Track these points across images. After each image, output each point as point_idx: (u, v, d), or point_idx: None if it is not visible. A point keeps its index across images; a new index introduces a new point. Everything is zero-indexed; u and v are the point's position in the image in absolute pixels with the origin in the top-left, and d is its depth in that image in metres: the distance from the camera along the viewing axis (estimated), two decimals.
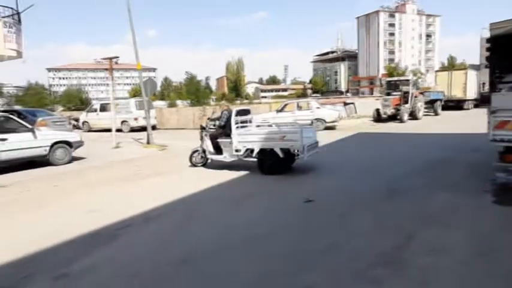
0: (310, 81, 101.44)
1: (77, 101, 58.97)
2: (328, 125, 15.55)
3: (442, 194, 5.29)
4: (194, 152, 8.25)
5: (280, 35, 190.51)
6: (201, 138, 8.09)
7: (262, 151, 7.27)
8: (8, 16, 11.61)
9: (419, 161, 7.82)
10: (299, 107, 16.12)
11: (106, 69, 15.84)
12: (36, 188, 6.92)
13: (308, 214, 4.80)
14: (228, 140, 7.62)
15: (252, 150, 7.40)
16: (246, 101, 54.30)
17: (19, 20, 12.08)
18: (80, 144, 9.79)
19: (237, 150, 7.51)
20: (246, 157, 7.50)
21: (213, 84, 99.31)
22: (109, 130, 14.84)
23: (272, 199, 5.61)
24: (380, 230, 4.10)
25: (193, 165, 8.13)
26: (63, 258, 3.65)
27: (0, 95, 71.73)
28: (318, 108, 15.85)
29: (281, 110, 16.10)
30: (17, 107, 34.46)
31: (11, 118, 8.90)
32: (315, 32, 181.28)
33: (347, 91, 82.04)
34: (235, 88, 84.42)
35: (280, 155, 7.06)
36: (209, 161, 8.16)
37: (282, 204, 5.30)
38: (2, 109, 37.48)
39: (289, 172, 7.32)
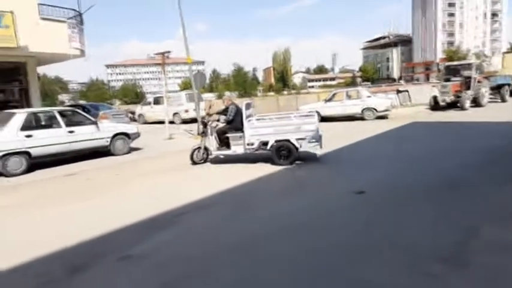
0: (360, 69, 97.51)
1: (133, 95, 62.63)
2: (379, 114, 14.91)
3: (509, 188, 4.87)
4: (195, 149, 7.94)
5: (328, 23, 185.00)
6: (202, 135, 7.89)
7: (276, 143, 7.25)
8: (72, 18, 12.55)
9: (481, 152, 7.23)
10: (348, 96, 15.62)
11: (158, 64, 16.63)
12: (100, 176, 7.50)
13: (360, 206, 4.68)
14: (238, 134, 7.52)
15: (265, 143, 7.34)
16: (293, 91, 53.81)
17: (81, 21, 13.02)
18: (136, 135, 10.42)
19: (249, 144, 7.40)
20: (257, 150, 7.45)
21: (260, 75, 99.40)
22: (162, 122, 15.60)
23: (320, 190, 5.55)
24: (438, 224, 3.89)
25: (195, 163, 7.87)
26: (127, 241, 3.96)
27: (67, 91, 78.25)
28: (368, 96, 15.23)
29: (329, 100, 15.74)
30: (81, 102, 37.42)
31: (77, 112, 9.72)
32: (365, 17, 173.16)
33: (400, 78, 77.82)
34: (282, 78, 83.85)
35: (297, 145, 7.21)
36: (210, 157, 8.03)
37: (331, 195, 5.22)
38: (68, 104, 40.95)
39: (333, 163, 7.18)
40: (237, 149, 7.59)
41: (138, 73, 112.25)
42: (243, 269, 3.20)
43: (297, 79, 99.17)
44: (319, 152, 7.42)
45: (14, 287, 3.11)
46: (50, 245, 3.92)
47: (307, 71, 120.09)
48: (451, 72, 18.43)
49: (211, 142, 7.77)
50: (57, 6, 12.25)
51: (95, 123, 9.42)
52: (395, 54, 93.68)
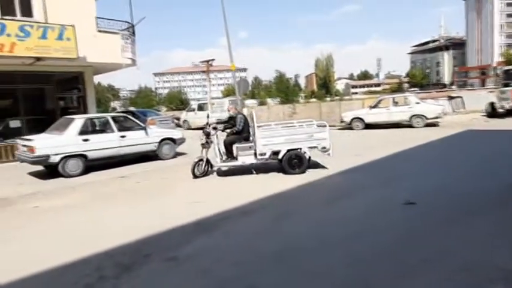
0: (407, 75, 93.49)
1: (177, 101, 64.98)
2: (429, 121, 14.17)
3: None
4: (197, 162, 7.44)
5: (372, 28, 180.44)
6: (205, 146, 7.43)
7: (288, 152, 7.15)
8: (125, 29, 13.36)
9: None
10: (395, 103, 15.04)
11: (203, 71, 17.25)
12: (148, 180, 7.83)
13: (409, 217, 4.44)
14: (248, 144, 7.33)
15: (275, 152, 7.17)
16: (336, 97, 52.83)
17: (133, 32, 13.81)
18: (182, 140, 10.78)
19: (261, 154, 7.16)
20: (267, 160, 7.28)
21: (301, 82, 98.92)
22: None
23: (365, 200, 5.35)
24: (498, 239, 3.57)
25: (196, 176, 7.38)
26: (173, 243, 4.07)
27: (118, 98, 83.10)
28: (417, 103, 14.55)
29: (375, 106, 15.23)
30: (131, 108, 39.55)
31: (128, 118, 10.28)
32: (412, 21, 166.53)
33: (451, 83, 73.56)
34: (324, 85, 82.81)
35: (308, 153, 7.27)
36: (214, 168, 7.69)
37: (377, 204, 5.01)
38: (119, 110, 43.46)
39: (379, 171, 6.90)
40: (246, 159, 7.30)
41: (183, 80, 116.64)
42: (281, 278, 3.15)
43: (339, 85, 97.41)
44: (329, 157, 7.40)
45: (69, 282, 3.30)
46: (102, 243, 4.14)
47: (351, 77, 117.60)
48: (511, 76, 17.06)
49: (216, 153, 7.38)
50: (113, 19, 13.12)
51: (144, 128, 9.88)
52: (446, 58, 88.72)
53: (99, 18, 12.66)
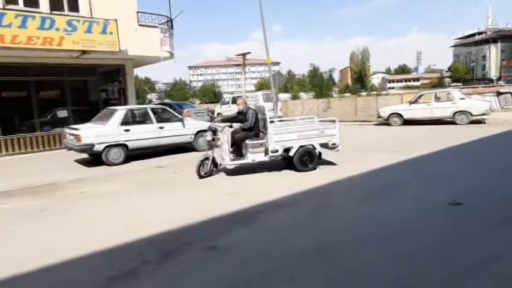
0: (449, 69, 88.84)
1: (211, 94, 65.88)
2: (474, 118, 13.39)
3: None
4: (203, 161, 6.98)
5: (412, 20, 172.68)
6: (211, 144, 7.02)
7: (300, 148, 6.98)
8: (164, 23, 13.67)
9: None
10: (437, 98, 14.33)
11: (237, 65, 17.33)
12: (186, 170, 8.00)
13: (456, 218, 4.24)
14: (259, 141, 7.02)
15: (286, 149, 6.95)
16: (372, 92, 51.29)
17: (172, 26, 14.11)
18: None
19: (273, 151, 6.88)
20: (277, 157, 7.05)
21: (336, 76, 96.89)
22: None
23: (404, 197, 5.18)
24: None
25: (201, 176, 6.96)
26: (212, 233, 4.16)
27: (154, 91, 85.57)
28: (461, 98, 13.78)
29: (415, 102, 14.61)
30: (167, 101, 40.60)
31: (167, 109, 10.56)
32: (456, 12, 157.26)
33: (499, 79, 69.06)
34: (359, 79, 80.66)
35: (320, 150, 7.18)
36: (219, 168, 7.31)
37: (419, 204, 4.82)
38: (156, 102, 44.77)
39: (420, 168, 6.61)
40: (256, 157, 6.99)
41: (216, 74, 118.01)
42: (320, 273, 3.13)
43: (375, 80, 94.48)
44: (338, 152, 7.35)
45: (115, 266, 3.47)
46: (143, 229, 4.31)
47: (388, 71, 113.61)
48: None
49: (225, 151, 6.95)
50: (152, 13, 13.47)
51: (182, 120, 10.11)
52: (493, 51, 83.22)
53: (140, 12, 13.05)
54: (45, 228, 4.68)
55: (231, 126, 7.14)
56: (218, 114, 22.82)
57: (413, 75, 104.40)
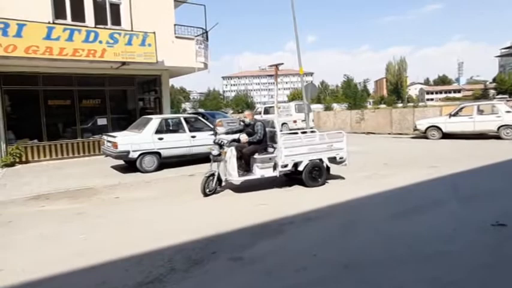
0: (494, 80, 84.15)
1: (244, 104, 66.69)
2: None
3: None
4: (208, 177, 6.44)
5: (454, 28, 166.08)
6: (216, 159, 6.56)
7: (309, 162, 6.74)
8: (199, 35, 14.08)
9: None
10: (480, 111, 13.60)
11: (269, 75, 17.41)
12: None
13: (499, 240, 3.94)
14: (268, 156, 6.68)
15: (295, 164, 6.66)
16: (409, 104, 49.63)
17: (207, 37, 14.51)
18: None
19: (283, 166, 6.56)
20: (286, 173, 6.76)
21: (370, 87, 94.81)
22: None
23: (441, 215, 4.89)
24: None
25: (206, 194, 6.39)
26: (239, 243, 4.15)
27: (188, 100, 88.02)
28: (508, 112, 12.97)
29: (455, 114, 13.92)
30: (200, 110, 41.57)
31: (199, 119, 10.80)
32: (503, 20, 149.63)
33: None
34: (395, 90, 78.43)
35: (328, 164, 6.97)
36: (223, 185, 6.77)
37: (456, 223, 4.54)
38: (189, 111, 45.98)
39: (459, 185, 6.24)
40: (265, 172, 6.63)
41: (249, 84, 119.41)
42: None
43: (413, 91, 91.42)
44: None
45: (144, 271, 3.54)
46: (173, 236, 4.39)
47: (426, 82, 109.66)
48: None
49: (232, 167, 6.42)
50: (188, 26, 13.94)
51: (213, 129, 10.27)
52: None
53: (177, 25, 13.55)
54: (81, 231, 4.88)
55: (238, 140, 6.63)
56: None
57: (454, 86, 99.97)
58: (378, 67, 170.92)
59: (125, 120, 12.56)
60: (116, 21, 12.62)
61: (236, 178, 6.45)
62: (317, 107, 40.25)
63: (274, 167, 6.67)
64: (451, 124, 13.75)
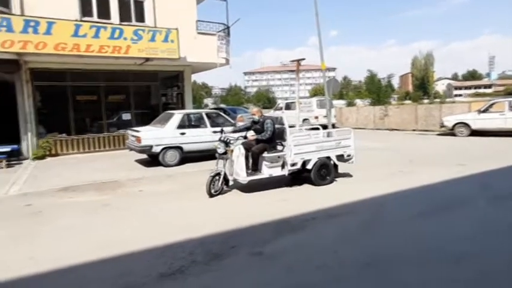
0: None
1: (265, 100, 66.63)
2: None
3: None
4: (214, 176, 6.15)
5: (485, 21, 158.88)
6: (222, 158, 6.31)
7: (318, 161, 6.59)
8: (221, 31, 14.13)
9: None
10: None
11: (291, 70, 17.32)
12: None
13: None
14: (277, 154, 6.49)
15: (303, 162, 6.50)
16: (435, 100, 48.04)
17: (228, 33, 14.54)
18: None
19: (293, 164, 6.40)
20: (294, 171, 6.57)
21: (395, 82, 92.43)
22: (292, 127, 16.03)
23: (469, 215, 4.74)
24: None
25: (212, 195, 6.10)
26: (259, 238, 4.16)
27: (210, 95, 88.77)
28: None
29: (485, 110, 13.35)
30: (222, 105, 41.86)
31: (220, 114, 10.86)
32: None
33: None
34: (421, 85, 76.08)
35: (336, 162, 6.89)
36: (231, 184, 6.53)
37: (488, 223, 4.39)
38: (211, 107, 46.37)
39: (485, 185, 5.98)
40: (273, 171, 6.47)
41: (271, 79, 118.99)
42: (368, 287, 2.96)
43: (440, 86, 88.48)
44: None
45: (166, 263, 3.61)
46: (194, 230, 4.45)
47: (454, 78, 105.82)
48: None
49: (240, 166, 6.16)
50: (210, 22, 14.02)
51: (234, 125, 10.31)
52: None
53: (199, 21, 13.64)
54: (107, 222, 5.04)
55: (245, 137, 6.49)
56: None
57: (485, 81, 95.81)
58: (403, 62, 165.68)
59: (148, 115, 12.81)
60: (140, 18, 12.86)
61: (244, 178, 6.20)
62: (339, 102, 39.59)
63: (283, 166, 6.52)
64: (481, 121, 13.20)
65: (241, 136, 6.53)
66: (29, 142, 11.45)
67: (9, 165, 10.04)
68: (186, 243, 4.09)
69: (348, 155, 7.07)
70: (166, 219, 5.08)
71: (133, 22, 12.56)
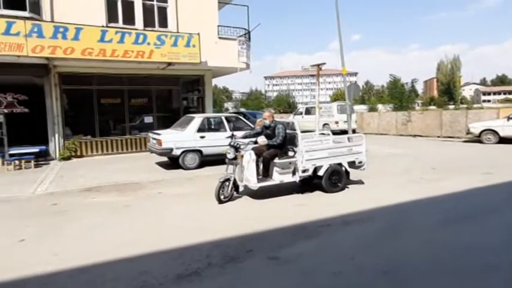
0: None
1: (285, 104, 66.54)
2: None
3: None
4: (223, 182, 5.98)
5: None
6: (232, 163, 6.13)
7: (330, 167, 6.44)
8: (242, 35, 14.25)
9: None
10: None
11: (312, 75, 17.25)
12: None
13: None
14: (288, 160, 6.32)
15: (315, 169, 6.33)
16: (462, 105, 46.55)
17: (249, 38, 14.65)
18: None
19: (304, 171, 6.23)
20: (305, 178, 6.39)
21: (419, 88, 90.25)
22: (311, 131, 15.93)
23: (496, 224, 4.55)
24: None
25: (221, 201, 5.93)
26: (275, 243, 4.16)
27: (230, 100, 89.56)
28: None
29: None
30: (242, 109, 42.08)
31: (240, 118, 10.93)
32: None
33: None
34: (447, 91, 73.91)
35: (348, 168, 6.71)
36: (241, 189, 6.40)
37: None
38: (231, 111, 46.72)
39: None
40: (284, 177, 6.32)
41: (291, 84, 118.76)
42: None
43: (467, 92, 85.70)
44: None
45: (184, 264, 3.66)
46: (211, 233, 4.50)
47: (483, 83, 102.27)
48: None
49: (250, 172, 5.98)
50: (231, 27, 14.17)
51: (253, 129, 10.34)
52: None
53: (220, 26, 13.82)
54: (127, 223, 5.16)
55: (255, 142, 6.33)
56: None
57: None
58: (427, 66, 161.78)
59: (169, 118, 13.05)
60: (163, 23, 13.15)
61: (254, 184, 6.02)
62: (360, 108, 39.02)
63: (294, 172, 6.38)
64: (510, 128, 12.69)
65: (252, 141, 6.42)
66: (56, 143, 11.90)
67: (37, 165, 10.46)
68: (203, 245, 4.13)
69: (360, 162, 6.91)
70: (184, 221, 5.15)
71: (157, 27, 12.86)
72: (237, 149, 6.09)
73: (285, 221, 4.88)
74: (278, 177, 6.30)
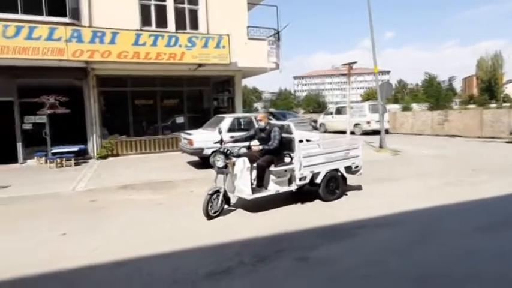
0: None
1: (315, 104, 65.79)
2: None
3: None
4: (213, 194, 5.20)
5: None
6: (222, 172, 5.40)
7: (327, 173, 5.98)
8: (271, 36, 14.26)
9: None
10: None
11: (343, 74, 16.92)
12: None
13: None
14: (284, 167, 5.70)
15: (312, 176, 5.82)
16: (505, 104, 43.97)
17: (278, 38, 14.63)
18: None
19: (301, 179, 5.69)
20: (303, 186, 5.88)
21: (457, 86, 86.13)
22: (343, 132, 15.65)
23: None
24: None
25: (210, 217, 5.15)
26: (305, 244, 4.13)
27: (260, 100, 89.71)
28: None
29: None
30: (271, 109, 42.07)
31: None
32: None
33: None
34: (488, 89, 70.03)
35: (345, 174, 6.29)
36: (233, 201, 5.71)
37: None
38: (261, 111, 46.66)
39: None
40: (279, 187, 5.68)
41: (321, 83, 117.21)
42: None
43: (510, 89, 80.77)
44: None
45: (216, 262, 3.72)
46: (241, 232, 4.56)
47: None
48: None
49: (244, 181, 5.31)
50: (261, 27, 14.23)
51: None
52: None
53: (250, 26, 13.90)
54: (161, 220, 5.32)
55: (249, 148, 5.80)
56: (321, 124, 22.66)
57: None
58: (466, 64, 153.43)
59: (200, 118, 13.30)
60: (194, 25, 13.43)
61: (249, 195, 5.32)
62: (394, 107, 37.77)
63: (289, 180, 5.84)
64: None
65: (244, 146, 5.84)
66: (93, 143, 12.47)
67: (76, 164, 11.02)
68: (234, 244, 4.18)
69: (356, 166, 6.51)
70: (214, 220, 5.22)
71: (188, 30, 13.15)
72: (227, 155, 5.38)
73: (317, 222, 4.84)
74: (274, 186, 5.66)
